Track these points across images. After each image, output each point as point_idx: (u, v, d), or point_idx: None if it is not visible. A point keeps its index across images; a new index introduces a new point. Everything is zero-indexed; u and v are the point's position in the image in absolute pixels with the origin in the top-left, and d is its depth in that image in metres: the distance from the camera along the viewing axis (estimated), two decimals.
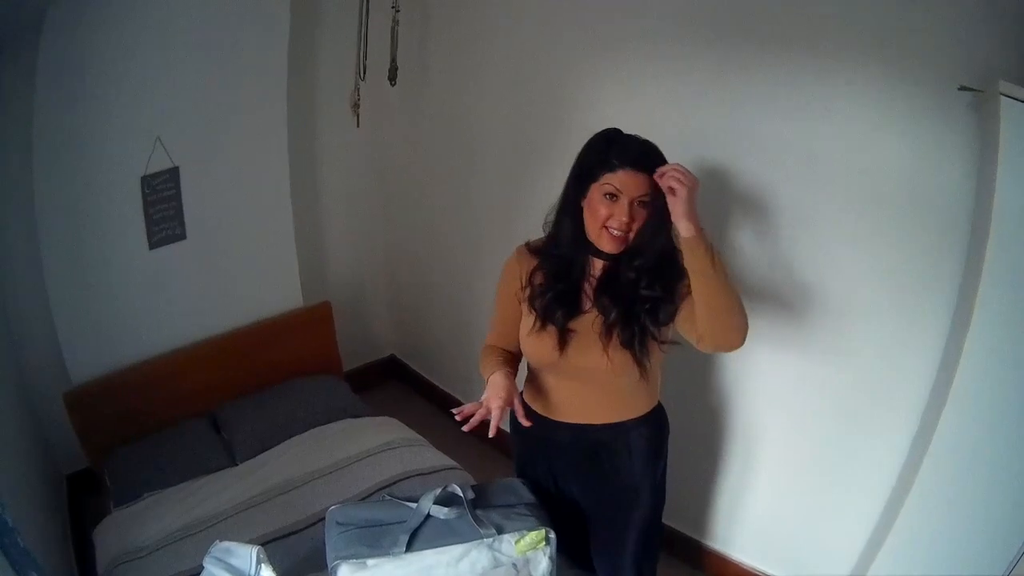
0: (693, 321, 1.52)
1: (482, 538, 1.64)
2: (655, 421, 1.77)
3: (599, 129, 1.60)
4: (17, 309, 2.36)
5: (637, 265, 1.57)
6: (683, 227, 1.44)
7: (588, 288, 1.65)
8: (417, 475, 2.23)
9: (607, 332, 1.60)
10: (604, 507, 1.79)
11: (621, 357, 1.60)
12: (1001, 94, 1.41)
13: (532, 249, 1.71)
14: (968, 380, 1.58)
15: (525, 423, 1.63)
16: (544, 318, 1.64)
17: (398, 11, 2.67)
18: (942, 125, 1.68)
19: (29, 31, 1.99)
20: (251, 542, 1.75)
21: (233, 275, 2.65)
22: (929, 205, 1.75)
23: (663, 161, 1.52)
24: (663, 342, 1.63)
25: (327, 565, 1.62)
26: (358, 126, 2.89)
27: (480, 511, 1.69)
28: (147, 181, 2.33)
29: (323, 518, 1.78)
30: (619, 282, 1.60)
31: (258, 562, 1.67)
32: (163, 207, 2.39)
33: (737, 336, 1.50)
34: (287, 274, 2.81)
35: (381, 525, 1.67)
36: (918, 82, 1.68)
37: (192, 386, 2.52)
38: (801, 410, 2.12)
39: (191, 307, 2.56)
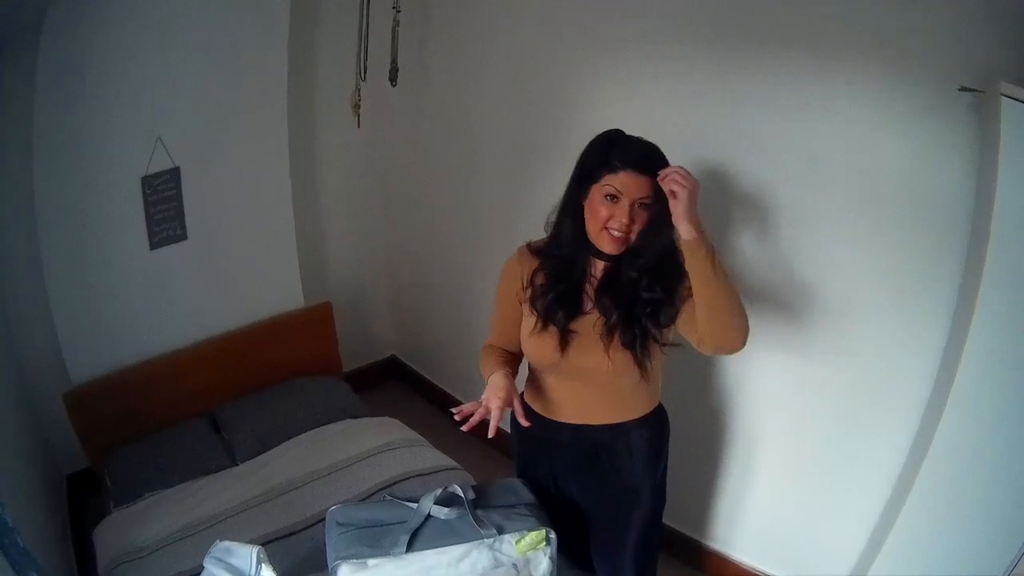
0: (694, 323, 1.53)
1: (483, 538, 1.64)
2: (656, 422, 1.77)
3: (599, 129, 1.60)
4: (17, 309, 2.36)
5: (638, 266, 1.57)
6: (684, 229, 1.44)
7: (589, 289, 1.65)
8: (417, 475, 2.23)
9: (608, 333, 1.60)
10: (604, 507, 1.79)
11: (622, 358, 1.60)
12: (1001, 94, 1.41)
13: (533, 249, 1.71)
14: (968, 380, 1.58)
15: (524, 423, 1.63)
16: (545, 319, 1.64)
17: (399, 11, 2.67)
18: (942, 125, 1.68)
19: (29, 31, 1.99)
20: (251, 542, 1.75)
21: (234, 275, 2.65)
22: (929, 205, 1.75)
23: (665, 163, 1.52)
24: (664, 344, 1.63)
25: (327, 565, 1.62)
26: (359, 126, 2.89)
27: (480, 511, 1.69)
28: (148, 181, 2.33)
29: (323, 518, 1.78)
30: (620, 283, 1.60)
31: (258, 562, 1.67)
32: (164, 207, 2.39)
33: (738, 337, 1.50)
34: (288, 274, 2.81)
35: (381, 525, 1.67)
36: (918, 82, 1.68)
37: (192, 386, 2.52)
38: (801, 410, 2.12)
39: (192, 307, 2.56)
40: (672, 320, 1.59)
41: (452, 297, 3.08)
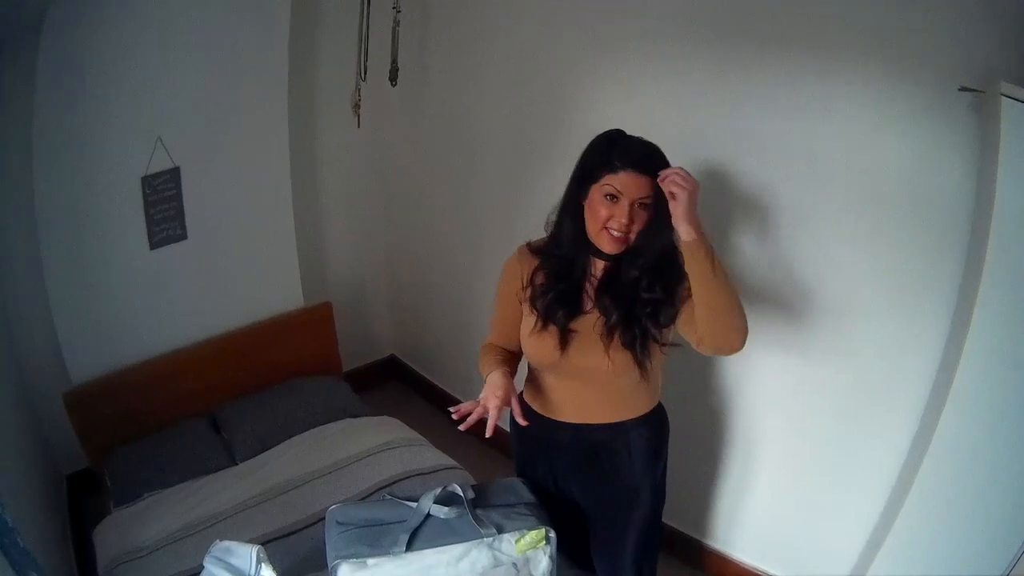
0: (693, 323, 1.53)
1: (482, 537, 1.64)
2: (655, 421, 1.77)
3: (599, 129, 1.60)
4: (17, 309, 2.36)
5: (638, 266, 1.57)
6: (683, 231, 1.44)
7: (589, 288, 1.65)
8: (417, 475, 2.23)
9: (608, 333, 1.60)
10: (604, 507, 1.79)
11: (622, 358, 1.60)
12: (1001, 94, 1.41)
13: (533, 249, 1.71)
14: (968, 380, 1.58)
15: (522, 422, 1.63)
16: (545, 318, 1.64)
17: (399, 11, 2.67)
18: (942, 125, 1.68)
19: (29, 31, 1.99)
20: (251, 542, 1.75)
21: (234, 275, 2.65)
22: (929, 205, 1.75)
23: (665, 163, 1.52)
24: (664, 344, 1.63)
25: (327, 565, 1.62)
26: (359, 126, 2.89)
27: (480, 511, 1.69)
28: (148, 181, 2.33)
29: (323, 518, 1.78)
30: (620, 283, 1.60)
31: (258, 562, 1.67)
32: (164, 207, 2.39)
33: (737, 337, 1.50)
34: (288, 274, 2.81)
35: (381, 525, 1.67)
36: (918, 82, 1.68)
37: (192, 386, 2.52)
38: (801, 410, 2.12)
39: (192, 307, 2.56)
40: (672, 320, 1.59)
41: (452, 297, 3.09)
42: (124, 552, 1.97)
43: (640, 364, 1.60)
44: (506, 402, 1.58)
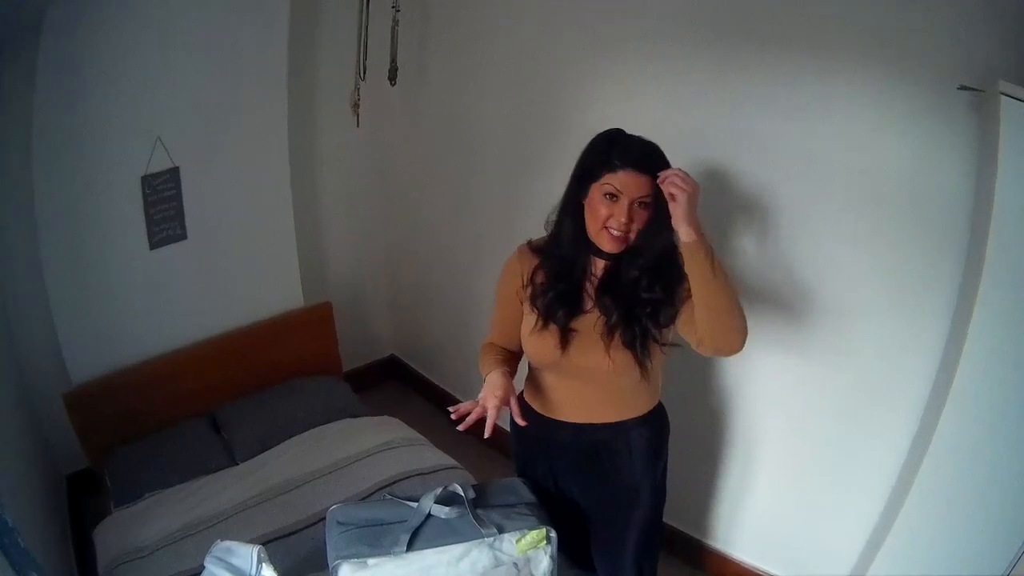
0: (693, 324, 1.53)
1: (483, 537, 1.64)
2: (656, 421, 1.77)
3: (599, 129, 1.60)
4: (17, 309, 2.36)
5: (638, 265, 1.57)
6: (683, 232, 1.44)
7: (590, 288, 1.65)
8: (417, 475, 2.23)
9: (609, 332, 1.60)
10: (604, 507, 1.79)
11: (623, 357, 1.60)
12: (1001, 94, 1.41)
13: (534, 248, 1.71)
14: (968, 380, 1.58)
15: (521, 422, 1.63)
16: (546, 317, 1.64)
17: (398, 11, 2.67)
18: (942, 125, 1.68)
19: (29, 31, 1.99)
20: (252, 542, 1.75)
21: (233, 275, 2.65)
22: (929, 205, 1.75)
23: (665, 162, 1.52)
24: (664, 344, 1.63)
25: (328, 565, 1.62)
26: (358, 126, 2.89)
27: (481, 510, 1.69)
28: (147, 181, 2.33)
29: (323, 518, 1.78)
30: (621, 282, 1.60)
31: (259, 562, 1.67)
32: (164, 207, 2.39)
33: (737, 338, 1.50)
34: (287, 274, 2.81)
35: (382, 524, 1.67)
36: (918, 82, 1.68)
37: (192, 386, 2.52)
38: (801, 410, 2.13)
39: (191, 307, 2.56)
40: (672, 320, 1.59)
41: (452, 297, 3.09)
42: (124, 552, 1.97)
43: (640, 364, 1.60)
44: (505, 402, 1.58)
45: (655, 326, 1.59)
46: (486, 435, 1.54)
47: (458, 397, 3.07)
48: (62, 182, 2.17)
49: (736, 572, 2.39)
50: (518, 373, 1.74)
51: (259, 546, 1.71)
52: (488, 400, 1.57)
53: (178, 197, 2.41)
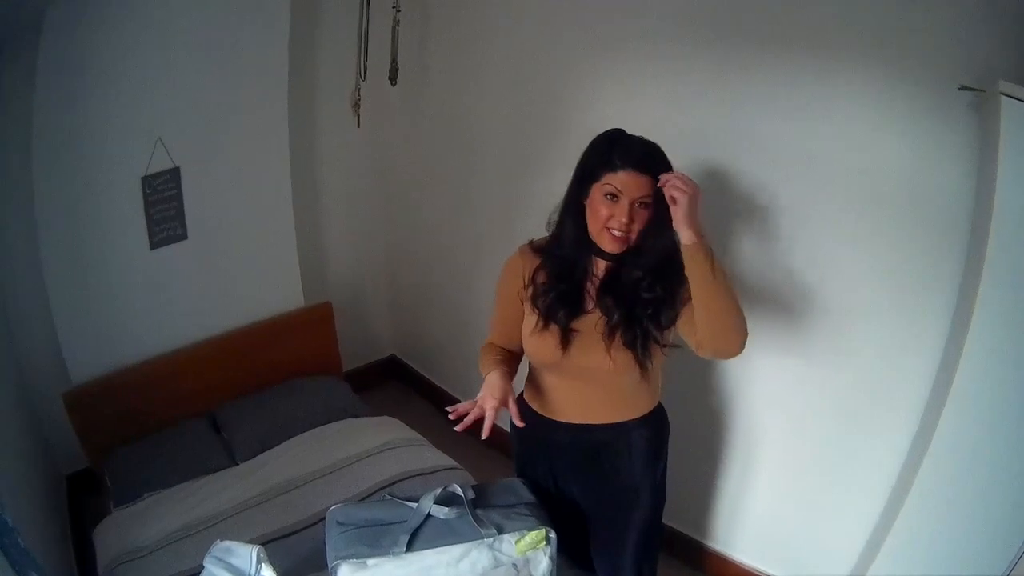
0: (693, 325, 1.53)
1: (482, 538, 1.64)
2: (656, 421, 1.77)
3: (599, 129, 1.60)
4: (17, 309, 2.36)
5: (640, 266, 1.57)
6: (684, 235, 1.44)
7: (591, 288, 1.65)
8: (417, 475, 2.23)
9: (610, 333, 1.60)
10: (604, 507, 1.79)
11: (623, 358, 1.60)
12: (1001, 94, 1.41)
13: (535, 248, 1.71)
14: (968, 380, 1.58)
15: (519, 423, 1.63)
16: (547, 317, 1.64)
17: (399, 11, 2.67)
18: (942, 125, 1.68)
19: (29, 31, 1.99)
20: (251, 542, 1.75)
21: (234, 275, 2.65)
22: (929, 205, 1.75)
23: (666, 162, 1.52)
24: (664, 345, 1.63)
25: (327, 565, 1.62)
26: (358, 126, 2.89)
27: (480, 511, 1.69)
28: (148, 181, 2.33)
29: (323, 518, 1.78)
30: (622, 283, 1.61)
31: (258, 562, 1.67)
32: (164, 207, 2.39)
33: (736, 340, 1.50)
34: (287, 274, 2.81)
35: (381, 525, 1.67)
36: (918, 82, 1.68)
37: (192, 386, 2.52)
38: (801, 410, 2.12)
39: (191, 307, 2.56)
40: (672, 322, 1.59)
41: (452, 297, 3.09)
42: (124, 552, 1.97)
43: (641, 364, 1.60)
44: (503, 403, 1.58)
45: (656, 327, 1.59)
46: (483, 436, 1.54)
47: (458, 397, 3.07)
48: (62, 182, 2.18)
49: (736, 573, 2.39)
50: (518, 374, 1.74)
51: (258, 546, 1.71)
52: (486, 401, 1.57)
53: (178, 197, 2.41)
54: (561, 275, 1.65)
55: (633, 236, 1.54)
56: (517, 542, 1.65)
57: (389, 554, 1.60)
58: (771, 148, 1.94)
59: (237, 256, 2.64)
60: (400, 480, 2.21)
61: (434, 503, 1.69)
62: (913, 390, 1.84)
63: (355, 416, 2.59)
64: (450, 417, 1.57)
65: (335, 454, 2.33)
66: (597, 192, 1.54)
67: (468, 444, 2.19)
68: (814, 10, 1.79)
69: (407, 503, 1.72)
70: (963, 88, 1.56)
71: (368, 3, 2.66)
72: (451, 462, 2.33)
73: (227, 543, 1.72)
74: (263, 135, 2.59)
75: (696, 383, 2.27)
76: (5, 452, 1.99)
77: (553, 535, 1.68)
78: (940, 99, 1.64)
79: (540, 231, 1.72)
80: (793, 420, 2.15)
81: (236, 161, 2.54)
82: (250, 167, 2.59)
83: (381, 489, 2.16)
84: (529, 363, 1.79)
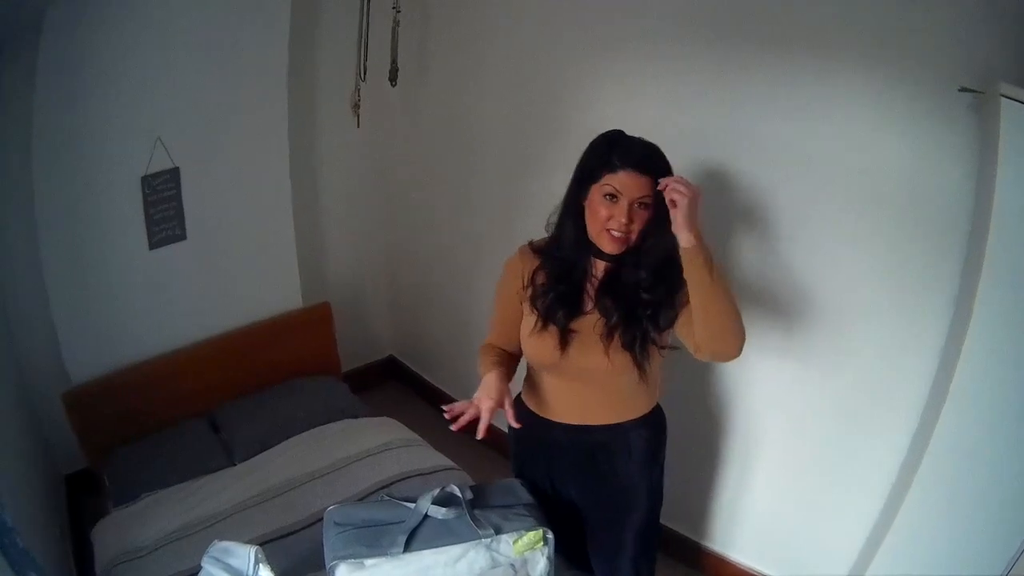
0: (691, 327, 1.53)
1: (480, 538, 1.64)
2: (654, 422, 1.77)
3: (599, 129, 1.60)
4: (17, 309, 2.36)
5: (639, 267, 1.57)
6: (683, 238, 1.44)
7: (590, 289, 1.65)
8: (416, 475, 2.23)
9: (609, 334, 1.60)
10: (602, 508, 1.78)
11: (622, 359, 1.60)
12: (1001, 95, 1.41)
13: (535, 249, 1.71)
14: (968, 380, 1.58)
15: (515, 424, 1.63)
16: (546, 318, 1.64)
17: (399, 11, 2.67)
18: (942, 126, 1.68)
19: (29, 31, 1.99)
20: (250, 542, 1.75)
21: (233, 275, 2.65)
22: (929, 205, 1.75)
23: (665, 162, 1.52)
24: (663, 346, 1.63)
25: (325, 565, 1.62)
26: (358, 126, 2.89)
27: (478, 511, 1.69)
28: (147, 181, 2.33)
29: (321, 518, 1.77)
30: (621, 284, 1.60)
31: (256, 562, 1.67)
32: (163, 207, 2.39)
33: (734, 343, 1.50)
34: (287, 274, 2.81)
35: (379, 525, 1.67)
36: (918, 82, 1.68)
37: (192, 386, 2.52)
38: (800, 410, 2.12)
39: (191, 307, 2.56)
40: (671, 323, 1.59)
41: (452, 297, 3.08)
42: (123, 552, 1.97)
43: (639, 365, 1.60)
44: (500, 404, 1.58)
45: (655, 328, 1.59)
46: (479, 436, 1.54)
47: (457, 398, 3.06)
48: (62, 182, 2.18)
49: (734, 573, 2.38)
50: (516, 374, 1.74)
51: (256, 546, 1.70)
52: (482, 401, 1.57)
53: (178, 197, 2.41)
54: (560, 276, 1.65)
55: (632, 237, 1.54)
56: (515, 542, 1.65)
57: (387, 554, 1.60)
58: (771, 148, 1.94)
59: (236, 256, 2.64)
60: (398, 480, 2.21)
61: (432, 503, 1.69)
62: (913, 390, 1.84)
63: (354, 416, 2.59)
64: (445, 416, 1.57)
65: (334, 454, 2.33)
66: (596, 193, 1.54)
67: (466, 445, 2.19)
68: (814, 10, 1.79)
69: (405, 503, 1.72)
70: (963, 90, 1.56)
71: (368, 3, 2.66)
72: (449, 463, 2.33)
73: (225, 543, 1.71)
74: (263, 135, 2.59)
75: (696, 383, 2.27)
76: (5, 452, 1.99)
77: (551, 536, 1.68)
78: (940, 100, 1.64)
79: (540, 231, 1.72)
80: (793, 420, 2.14)
81: (236, 161, 2.54)
82: (250, 167, 2.59)
83: (379, 489, 2.16)
84: (527, 364, 1.79)
